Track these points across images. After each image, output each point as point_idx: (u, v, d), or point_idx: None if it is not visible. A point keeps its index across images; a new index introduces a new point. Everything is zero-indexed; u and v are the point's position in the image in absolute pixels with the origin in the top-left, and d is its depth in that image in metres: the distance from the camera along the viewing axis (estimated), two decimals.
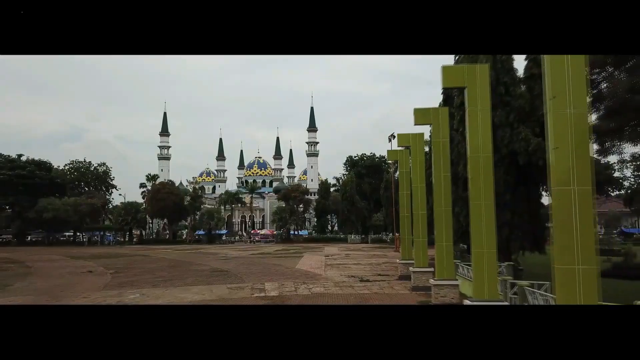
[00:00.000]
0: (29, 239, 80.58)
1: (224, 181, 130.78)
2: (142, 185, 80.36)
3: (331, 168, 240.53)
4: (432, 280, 15.64)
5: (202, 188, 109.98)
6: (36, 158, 78.54)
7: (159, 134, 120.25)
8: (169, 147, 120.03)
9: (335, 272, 27.39)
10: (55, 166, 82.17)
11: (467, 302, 11.48)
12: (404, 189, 23.53)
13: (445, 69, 11.71)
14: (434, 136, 15.69)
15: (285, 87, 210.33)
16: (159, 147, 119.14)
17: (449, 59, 24.50)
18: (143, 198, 79.12)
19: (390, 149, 41.17)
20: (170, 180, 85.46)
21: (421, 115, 15.73)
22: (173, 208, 71.79)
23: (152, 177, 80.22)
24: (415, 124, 16.09)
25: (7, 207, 76.31)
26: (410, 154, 21.49)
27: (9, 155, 77.69)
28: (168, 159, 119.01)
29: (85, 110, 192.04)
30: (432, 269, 17.85)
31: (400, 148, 23.98)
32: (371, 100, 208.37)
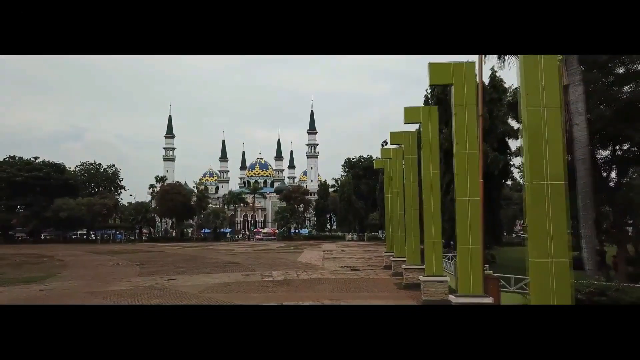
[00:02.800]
0: (42, 237, 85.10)
1: (227, 181, 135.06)
2: (151, 186, 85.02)
3: (331, 167, 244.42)
4: (404, 265, 20.14)
5: (206, 188, 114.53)
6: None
7: (164, 136, 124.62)
8: (174, 148, 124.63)
9: (331, 264, 31.90)
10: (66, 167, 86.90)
11: (421, 277, 15.96)
12: (388, 193, 28.01)
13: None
14: (406, 153, 20.19)
15: (285, 86, 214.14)
16: (164, 148, 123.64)
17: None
18: (152, 198, 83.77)
19: (382, 154, 45.50)
20: (178, 182, 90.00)
21: (396, 137, 20.22)
22: (181, 208, 76.40)
23: (160, 179, 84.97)
24: (390, 144, 20.57)
25: (22, 207, 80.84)
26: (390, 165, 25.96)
27: (21, 157, 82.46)
28: (173, 160, 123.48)
29: (86, 110, 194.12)
30: None
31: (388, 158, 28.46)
32: (371, 100, 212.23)
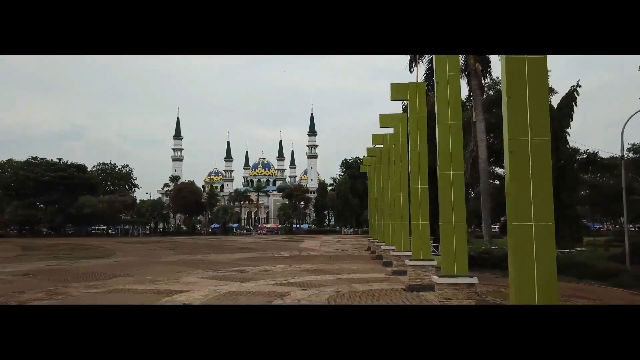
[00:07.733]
0: (66, 231, 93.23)
1: (232, 180, 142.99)
2: (165, 185, 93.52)
3: (331, 165, 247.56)
4: (376, 243, 28.12)
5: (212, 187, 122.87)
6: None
7: (173, 138, 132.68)
8: (182, 149, 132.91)
9: (327, 248, 39.98)
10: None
11: (382, 246, 23.87)
12: (370, 191, 36.02)
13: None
14: (375, 162, 28.12)
15: (286, 85, 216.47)
16: (173, 149, 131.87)
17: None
18: (165, 195, 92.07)
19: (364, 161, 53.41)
20: (190, 181, 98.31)
21: (370, 152, 28.15)
22: (193, 205, 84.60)
23: (174, 178, 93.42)
24: (367, 155, 28.46)
25: (46, 203, 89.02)
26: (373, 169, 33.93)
27: (44, 158, 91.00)
28: (181, 160, 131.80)
29: (87, 109, 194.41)
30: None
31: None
32: (371, 99, 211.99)
